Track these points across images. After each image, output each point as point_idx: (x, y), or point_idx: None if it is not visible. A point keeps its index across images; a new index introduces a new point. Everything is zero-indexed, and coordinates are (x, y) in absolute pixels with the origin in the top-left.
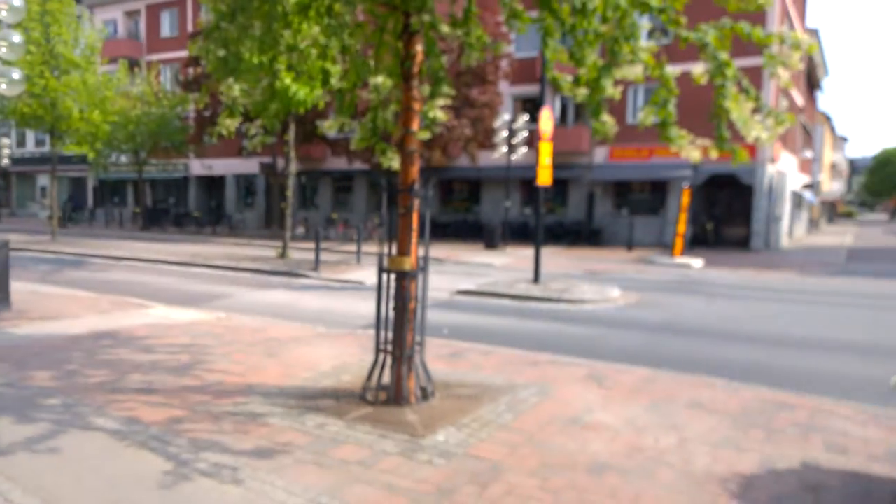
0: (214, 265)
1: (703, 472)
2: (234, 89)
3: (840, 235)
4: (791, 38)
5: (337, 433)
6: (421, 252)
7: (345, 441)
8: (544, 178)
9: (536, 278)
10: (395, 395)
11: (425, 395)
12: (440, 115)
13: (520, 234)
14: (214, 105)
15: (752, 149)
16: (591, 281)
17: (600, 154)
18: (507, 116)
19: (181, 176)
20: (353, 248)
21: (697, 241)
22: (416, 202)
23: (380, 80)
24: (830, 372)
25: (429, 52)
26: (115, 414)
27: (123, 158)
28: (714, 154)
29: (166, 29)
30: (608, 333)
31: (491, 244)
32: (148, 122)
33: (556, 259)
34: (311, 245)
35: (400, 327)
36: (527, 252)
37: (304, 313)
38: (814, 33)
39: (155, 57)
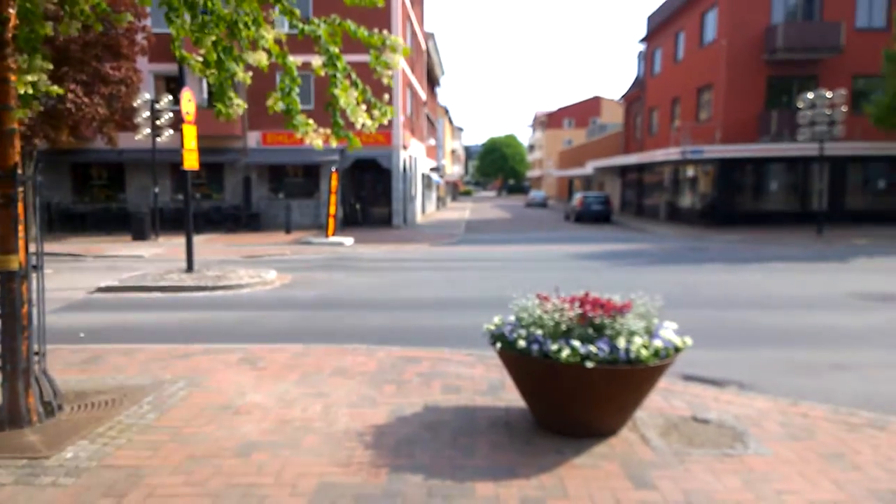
0: None
1: (344, 430)
2: None
3: (461, 211)
4: (391, 40)
5: None
6: (33, 248)
7: None
8: (191, 161)
9: (190, 267)
10: (9, 417)
11: (51, 410)
12: (53, 88)
13: (174, 222)
14: None
15: (388, 136)
16: (249, 265)
17: (254, 138)
18: (148, 95)
19: None
20: None
21: (348, 221)
22: (21, 190)
23: None
24: (452, 325)
25: (25, 17)
26: None
27: None
28: (334, 142)
29: None
30: (264, 315)
31: (140, 234)
32: None
33: (214, 246)
34: None
35: (11, 337)
36: (181, 241)
37: None
38: (431, 36)
39: None
